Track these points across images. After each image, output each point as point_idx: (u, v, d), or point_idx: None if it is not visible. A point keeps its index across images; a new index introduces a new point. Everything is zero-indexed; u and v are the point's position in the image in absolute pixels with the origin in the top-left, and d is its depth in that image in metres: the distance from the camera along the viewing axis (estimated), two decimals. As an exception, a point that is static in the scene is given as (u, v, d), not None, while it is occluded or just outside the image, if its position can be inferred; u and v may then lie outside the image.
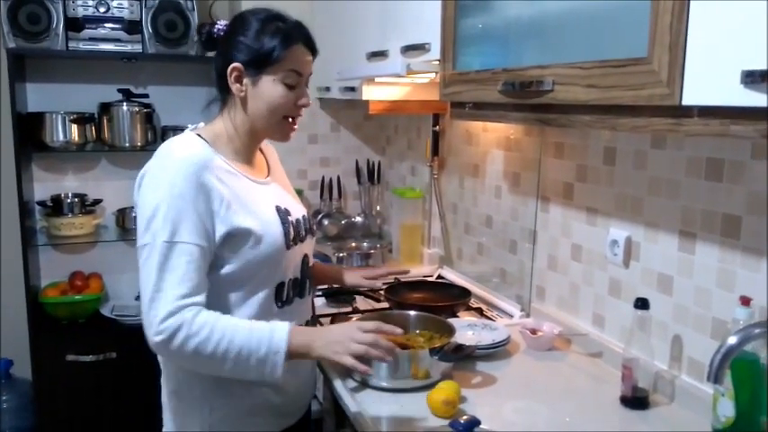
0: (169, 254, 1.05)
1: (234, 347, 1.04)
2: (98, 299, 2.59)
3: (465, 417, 1.16)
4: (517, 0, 1.21)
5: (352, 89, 2.10)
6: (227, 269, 1.12)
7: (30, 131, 2.47)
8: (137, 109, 2.57)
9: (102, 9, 2.45)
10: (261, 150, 1.31)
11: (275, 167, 1.34)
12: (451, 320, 1.54)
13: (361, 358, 1.06)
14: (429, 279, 2.16)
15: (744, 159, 1.14)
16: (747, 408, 1.08)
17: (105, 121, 2.56)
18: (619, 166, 1.45)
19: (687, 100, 0.82)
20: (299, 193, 2.67)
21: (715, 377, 0.95)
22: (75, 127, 2.51)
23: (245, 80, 1.16)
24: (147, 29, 2.49)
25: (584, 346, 1.56)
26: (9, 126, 2.39)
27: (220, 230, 1.10)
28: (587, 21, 1.02)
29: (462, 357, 1.36)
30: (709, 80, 0.79)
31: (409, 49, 1.63)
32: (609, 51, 0.95)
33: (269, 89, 1.15)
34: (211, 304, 1.08)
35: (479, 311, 1.86)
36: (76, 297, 2.55)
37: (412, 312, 1.55)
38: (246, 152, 1.22)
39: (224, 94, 1.21)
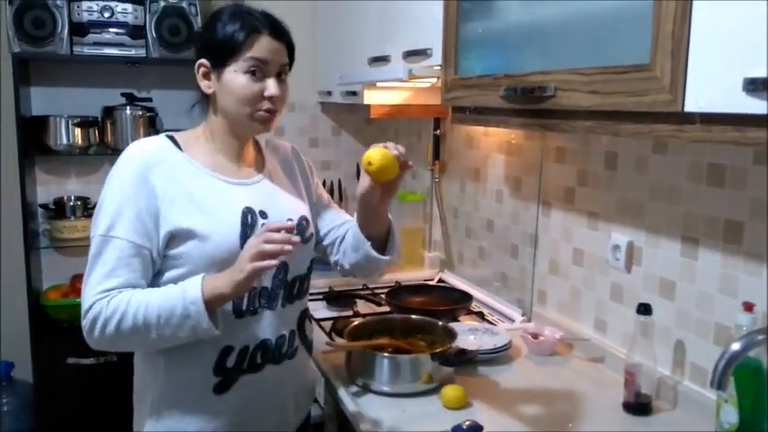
0: (102, 248, 1.05)
1: (152, 314, 1.03)
2: (100, 302, 2.59)
3: (467, 422, 1.16)
4: (519, 5, 1.22)
5: (354, 93, 2.11)
6: (173, 272, 1.09)
7: (33, 135, 2.48)
8: (140, 113, 2.58)
9: (106, 14, 2.47)
10: (260, 150, 1.27)
11: (275, 168, 1.27)
12: (453, 325, 1.54)
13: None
14: (430, 283, 2.16)
15: (746, 165, 1.14)
16: (751, 414, 1.08)
17: (108, 124, 2.58)
18: (620, 171, 1.45)
19: (689, 107, 0.82)
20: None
21: (719, 383, 0.95)
22: (78, 130, 2.52)
23: (212, 76, 1.14)
24: (151, 34, 2.50)
25: (586, 351, 1.55)
26: (13, 129, 2.40)
27: (164, 230, 1.08)
28: (589, 27, 1.02)
29: (464, 362, 1.36)
30: (711, 87, 0.79)
31: (411, 54, 1.63)
32: (611, 57, 0.95)
33: (232, 80, 1.11)
34: None
35: (480, 315, 1.86)
36: (78, 300, 2.53)
37: (413, 316, 1.55)
38: (232, 149, 1.18)
39: (200, 95, 1.19)
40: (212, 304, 1.03)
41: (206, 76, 1.15)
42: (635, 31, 0.89)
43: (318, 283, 2.11)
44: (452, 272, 2.23)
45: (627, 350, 1.31)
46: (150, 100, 2.65)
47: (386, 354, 1.34)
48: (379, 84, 1.95)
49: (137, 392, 1.21)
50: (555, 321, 1.66)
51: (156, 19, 2.49)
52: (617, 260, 1.46)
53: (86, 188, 2.71)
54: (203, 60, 1.14)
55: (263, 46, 1.12)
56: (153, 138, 1.18)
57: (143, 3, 2.49)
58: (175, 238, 1.09)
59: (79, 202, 2.62)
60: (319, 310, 1.91)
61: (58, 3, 2.39)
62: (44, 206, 2.61)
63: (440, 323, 1.51)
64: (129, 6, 2.48)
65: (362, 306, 1.93)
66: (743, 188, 1.15)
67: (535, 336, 1.57)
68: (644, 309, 1.27)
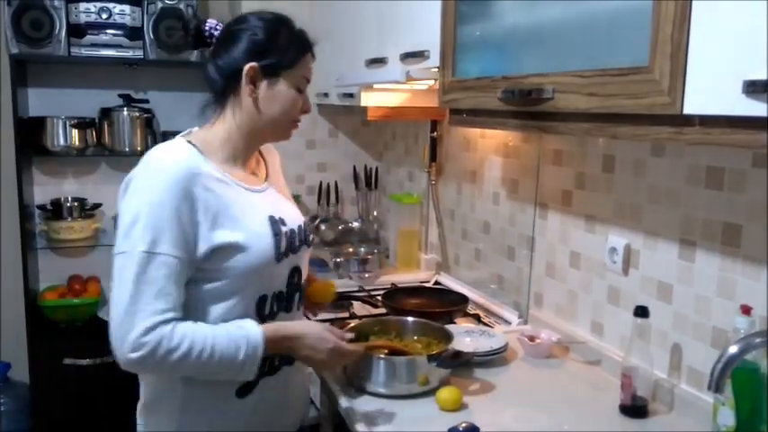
0: (147, 265, 1.00)
1: (214, 356, 1.03)
2: (96, 303, 2.59)
3: (464, 424, 1.15)
4: (517, 7, 1.22)
5: (351, 95, 2.11)
6: (209, 285, 1.08)
7: (31, 136, 2.48)
8: (137, 114, 2.58)
9: (104, 16, 2.47)
10: (261, 154, 1.28)
11: (274, 173, 1.30)
12: (449, 327, 1.53)
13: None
14: (426, 285, 2.16)
15: (745, 168, 1.14)
16: (748, 417, 1.07)
17: (106, 125, 2.58)
18: (618, 174, 1.45)
19: (688, 109, 0.82)
20: (297, 198, 2.69)
21: (716, 386, 0.95)
22: (75, 131, 2.52)
23: (261, 82, 1.13)
24: (149, 35, 2.50)
25: (582, 353, 1.55)
26: (10, 130, 2.40)
27: (204, 244, 1.05)
28: (588, 29, 1.02)
29: (461, 364, 1.36)
30: (710, 89, 0.79)
31: (408, 56, 1.63)
32: (610, 60, 0.95)
33: (284, 93, 1.14)
34: (188, 316, 1.05)
35: (477, 318, 1.86)
36: (75, 301, 2.55)
37: (410, 318, 1.55)
38: (243, 155, 1.18)
39: (223, 95, 1.16)
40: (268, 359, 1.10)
41: (253, 80, 1.13)
42: (634, 34, 0.89)
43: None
44: (449, 274, 2.23)
45: (623, 353, 1.31)
46: (147, 101, 2.65)
47: (382, 355, 1.34)
48: (376, 86, 1.95)
49: (146, 404, 1.19)
50: (551, 324, 1.65)
51: (154, 20, 2.49)
52: (614, 263, 1.46)
53: (83, 189, 2.71)
54: (255, 65, 1.12)
55: (309, 65, 1.19)
56: (177, 144, 1.11)
57: (140, 4, 2.49)
58: (217, 251, 1.06)
59: (76, 203, 2.62)
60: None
61: (56, 4, 2.39)
62: (41, 207, 2.61)
63: (436, 325, 1.50)
64: (126, 8, 2.48)
65: (359, 308, 1.93)
66: (741, 191, 1.15)
67: (532, 338, 1.57)
68: (641, 311, 1.27)
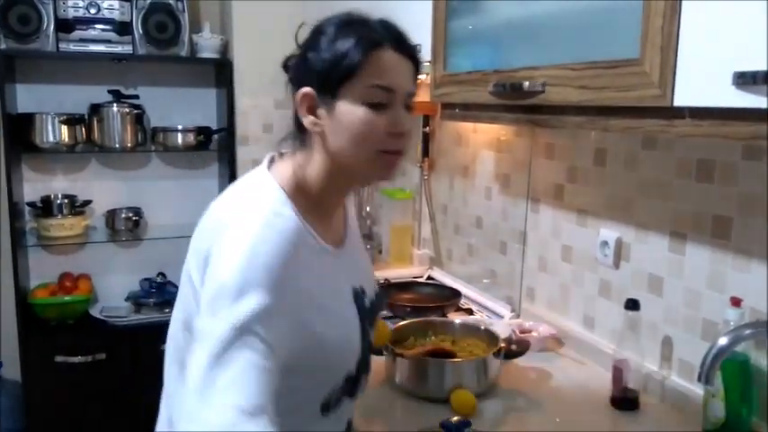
0: (232, 344, 0.74)
1: None
2: (87, 300, 2.58)
3: (455, 417, 1.16)
4: (508, 1, 1.22)
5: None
6: (290, 381, 0.82)
7: (20, 132, 2.45)
8: (127, 110, 2.56)
9: (92, 10, 2.44)
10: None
11: (353, 224, 1.05)
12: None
13: None
14: (419, 280, 2.16)
15: (735, 160, 1.15)
16: (738, 408, 1.08)
17: (95, 122, 2.55)
18: (609, 167, 1.46)
19: (679, 101, 0.82)
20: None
21: (706, 378, 0.96)
22: (65, 128, 2.49)
23: (320, 110, 0.87)
24: (138, 30, 2.48)
25: (574, 347, 1.56)
26: (-1, 127, 2.37)
27: (297, 331, 0.83)
28: (579, 22, 1.02)
29: (522, 353, 1.37)
30: (700, 81, 0.79)
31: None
32: (600, 52, 0.95)
33: (347, 114, 0.85)
34: None
35: (469, 312, 1.86)
36: (66, 298, 2.54)
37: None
38: (329, 207, 0.93)
39: (298, 131, 0.93)
40: None
41: (311, 109, 0.88)
42: (624, 26, 0.90)
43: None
44: (442, 269, 2.23)
45: (615, 345, 1.31)
46: (137, 97, 2.63)
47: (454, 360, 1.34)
48: (368, 80, 1.93)
49: None
50: (543, 317, 1.66)
51: (143, 15, 2.47)
52: (605, 256, 1.46)
53: (73, 186, 2.69)
54: (307, 91, 0.87)
55: (387, 66, 0.85)
56: (279, 200, 0.86)
57: (130, -1, 2.47)
58: (302, 342, 0.84)
59: (66, 200, 2.59)
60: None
61: (44, -1, 2.36)
62: (31, 204, 2.59)
63: (435, 320, 1.52)
64: (115, 2, 2.46)
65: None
66: (732, 184, 1.16)
67: (523, 332, 1.58)
68: (632, 304, 1.27)
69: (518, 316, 1.78)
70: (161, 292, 2.68)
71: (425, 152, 2.28)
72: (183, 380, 0.78)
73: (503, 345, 1.36)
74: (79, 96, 2.58)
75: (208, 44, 2.61)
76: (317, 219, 0.90)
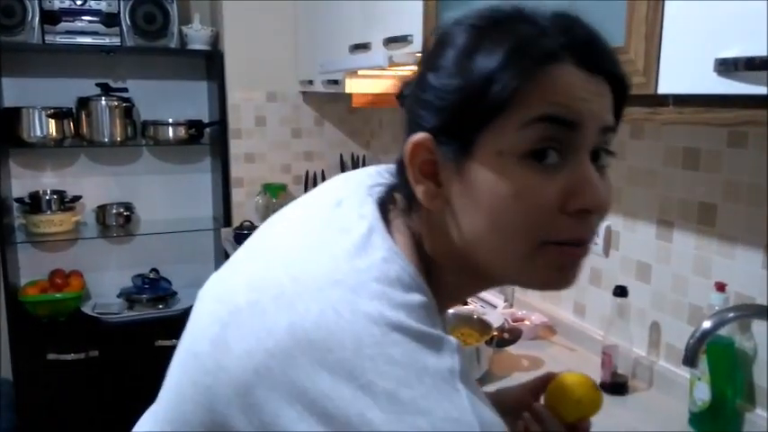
0: None
1: None
2: (79, 297, 2.56)
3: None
4: (496, -8, 1.22)
5: (336, 82, 2.10)
6: None
7: (6, 127, 2.42)
8: (116, 103, 2.53)
9: (78, 2, 2.41)
10: None
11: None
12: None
13: None
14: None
15: (720, 148, 1.16)
16: (723, 391, 1.10)
17: (83, 115, 2.52)
18: (598, 157, 1.47)
19: (663, 89, 0.83)
20: (283, 188, 2.70)
21: (690, 361, 0.97)
22: (52, 122, 2.46)
23: (445, 173, 0.52)
24: (126, 21, 2.45)
25: (565, 334, 1.58)
26: (-15, 121, 2.35)
27: None
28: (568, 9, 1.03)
29: (514, 341, 1.38)
30: (684, 69, 0.80)
31: (392, 41, 1.63)
32: (587, 41, 0.96)
33: (490, 181, 0.49)
34: None
35: (463, 302, 1.87)
36: (57, 295, 2.52)
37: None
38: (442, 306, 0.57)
39: (409, 194, 0.55)
40: None
41: (428, 171, 0.53)
42: (609, 15, 0.90)
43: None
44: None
45: (604, 332, 1.33)
46: (126, 90, 2.61)
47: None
48: (360, 72, 1.93)
49: None
50: (536, 306, 1.68)
51: (131, 6, 2.44)
52: (595, 244, 1.48)
53: (62, 181, 2.67)
54: (423, 138, 0.52)
55: (567, 89, 0.49)
56: (414, 290, 0.49)
57: (117, -9, 2.45)
58: None
59: (55, 196, 2.56)
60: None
61: (29, -9, 2.33)
62: (19, 200, 2.56)
63: (449, 312, 1.51)
64: (102, -6, 2.44)
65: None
66: (717, 171, 1.18)
67: (516, 321, 1.60)
68: (620, 291, 1.29)
69: (511, 305, 1.80)
70: (154, 288, 2.67)
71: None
72: None
73: (495, 333, 1.37)
74: (67, 90, 2.55)
75: (198, 36, 2.57)
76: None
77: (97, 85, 2.54)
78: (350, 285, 0.47)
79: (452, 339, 0.49)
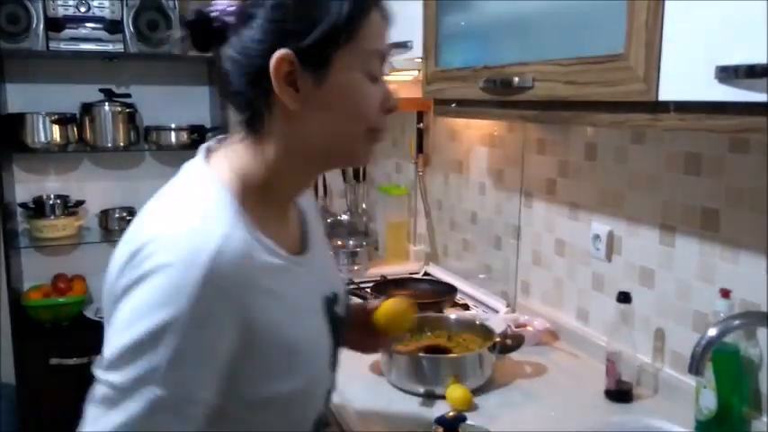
0: (167, 413, 0.64)
1: None
2: (82, 301, 2.57)
3: (451, 412, 1.16)
4: (497, -3, 1.22)
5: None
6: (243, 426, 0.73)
7: (10, 132, 2.44)
8: (119, 109, 2.55)
9: (82, 9, 2.43)
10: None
11: (313, 222, 0.89)
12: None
13: None
14: (415, 276, 2.16)
15: (722, 153, 1.15)
16: (729, 399, 1.09)
17: (87, 121, 2.54)
18: (600, 162, 1.46)
19: (663, 96, 0.83)
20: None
21: (696, 369, 0.96)
22: (56, 127, 2.48)
23: (302, 78, 0.70)
24: (129, 28, 2.47)
25: (569, 340, 1.57)
26: (-11, 127, 2.36)
27: (251, 393, 0.71)
28: (566, 18, 1.02)
29: (517, 347, 1.37)
30: (684, 76, 0.80)
31: (392, 47, 1.62)
32: (587, 48, 0.95)
33: (344, 87, 0.71)
34: None
35: (465, 307, 1.87)
36: (60, 300, 2.52)
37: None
38: (284, 202, 0.79)
39: (252, 110, 0.73)
40: None
41: (290, 77, 0.69)
42: (610, 22, 0.90)
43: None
44: (438, 264, 2.23)
45: (608, 338, 1.32)
46: (129, 96, 2.62)
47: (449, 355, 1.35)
48: (360, 77, 1.93)
49: None
50: (539, 312, 1.66)
51: (134, 13, 2.45)
52: (598, 250, 1.47)
53: (66, 186, 2.68)
54: (286, 53, 0.68)
55: (382, 31, 0.74)
56: (217, 205, 0.69)
57: (120, -4, 2.46)
58: (267, 400, 0.72)
59: (59, 201, 2.57)
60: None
61: (33, -2, 2.35)
62: (23, 205, 2.57)
63: (434, 315, 1.54)
64: (105, 1, 2.44)
65: (347, 300, 1.93)
66: (719, 176, 1.17)
67: (518, 327, 1.59)
68: (624, 297, 1.28)
69: (513, 311, 1.79)
70: (156, 292, 2.66)
71: (420, 148, 2.28)
72: None
73: (497, 339, 1.36)
74: (70, 96, 2.57)
75: (199, 42, 2.58)
76: (273, 224, 0.74)
77: (100, 90, 2.56)
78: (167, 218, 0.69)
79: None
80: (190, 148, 2.66)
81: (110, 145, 2.55)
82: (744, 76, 0.70)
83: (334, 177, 2.77)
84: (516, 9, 1.15)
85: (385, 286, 1.94)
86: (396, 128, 2.53)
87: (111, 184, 2.71)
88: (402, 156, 2.47)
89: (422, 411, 1.24)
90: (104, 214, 2.67)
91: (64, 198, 2.60)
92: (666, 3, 0.81)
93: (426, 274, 2.20)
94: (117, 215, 2.67)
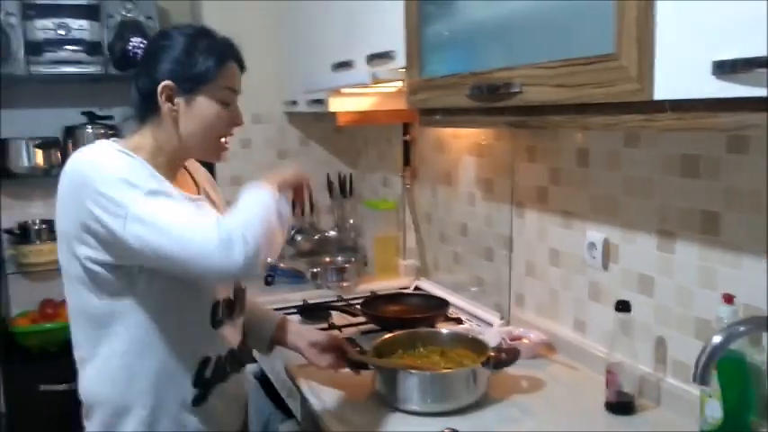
0: (169, 197, 1.02)
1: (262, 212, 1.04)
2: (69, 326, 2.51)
3: (446, 429, 1.12)
4: (481, 2, 1.19)
5: (320, 101, 2.07)
6: (155, 285, 1.07)
7: (-7, 159, 2.41)
8: (102, 131, 2.51)
9: (62, 31, 2.40)
10: (187, 170, 1.24)
11: (205, 184, 1.27)
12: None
13: None
14: (406, 291, 2.12)
15: (719, 154, 1.13)
16: (735, 408, 1.06)
17: (70, 144, 2.51)
18: (593, 168, 1.43)
19: (658, 95, 0.80)
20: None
21: (701, 378, 0.92)
22: (39, 152, 2.46)
23: (177, 99, 1.10)
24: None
25: (566, 352, 1.53)
26: (-30, 154, 2.32)
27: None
28: (552, 19, 0.99)
29: (512, 361, 1.33)
30: (679, 73, 0.77)
31: (374, 58, 1.60)
32: (576, 49, 0.93)
33: (204, 108, 1.10)
34: (139, 332, 1.08)
35: (458, 322, 1.83)
36: (48, 325, 2.49)
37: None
38: (168, 171, 1.13)
39: (146, 112, 1.12)
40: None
41: (169, 98, 1.10)
42: (598, 21, 0.87)
43: (293, 296, 2.06)
44: (429, 279, 2.19)
45: (607, 349, 1.28)
46: (112, 117, 2.59)
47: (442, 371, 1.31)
48: (344, 90, 1.91)
49: (102, 422, 1.17)
50: (534, 324, 1.62)
51: (114, 35, 2.43)
52: (593, 258, 1.43)
53: (51, 211, 2.56)
54: (169, 83, 1.08)
55: (234, 74, 1.14)
56: (105, 147, 1.09)
57: (99, 18, 2.42)
58: None
59: (45, 226, 2.54)
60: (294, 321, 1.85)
61: (12, 21, 2.32)
62: (8, 231, 2.54)
63: (433, 331, 1.51)
64: (85, 23, 2.41)
65: (338, 318, 1.88)
66: (717, 178, 1.14)
67: (513, 340, 1.55)
68: (622, 306, 1.24)
69: (508, 323, 1.75)
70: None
71: (407, 161, 2.26)
72: (100, 337, 1.11)
73: (491, 354, 1.32)
74: (52, 119, 2.54)
75: (182, 60, 2.57)
76: (164, 174, 1.09)
77: (83, 113, 2.54)
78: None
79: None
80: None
81: (93, 168, 2.51)
82: (742, 71, 0.67)
83: (320, 193, 2.74)
84: (500, 13, 1.13)
85: (375, 302, 1.90)
86: (382, 141, 2.50)
87: (95, 208, 2.67)
88: (389, 169, 2.44)
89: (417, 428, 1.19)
90: (89, 238, 2.62)
91: (49, 223, 2.56)
92: (657, -3, 0.78)
93: (417, 288, 2.17)
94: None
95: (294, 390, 1.48)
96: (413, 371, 1.28)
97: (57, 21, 2.38)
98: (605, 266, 1.41)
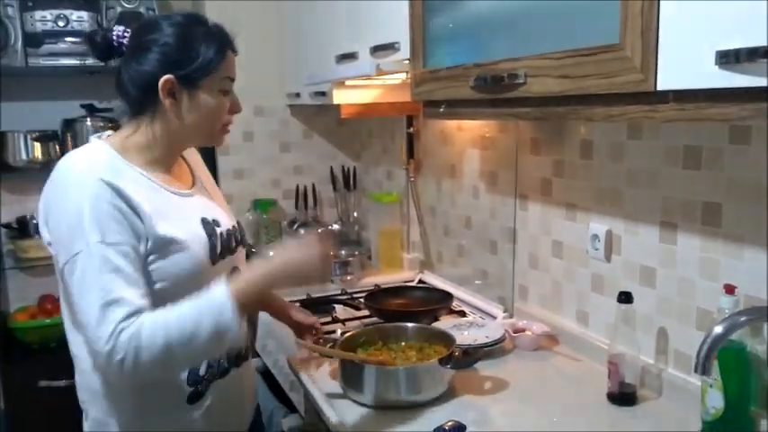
0: (108, 255, 0.97)
1: (192, 341, 0.98)
2: (70, 321, 2.51)
3: (450, 422, 1.13)
4: (484, -6, 1.19)
5: (323, 94, 2.07)
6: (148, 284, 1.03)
7: (-10, 152, 2.39)
8: (101, 124, 2.48)
9: (61, 23, 2.38)
10: (183, 157, 1.23)
11: (201, 176, 1.26)
12: (436, 324, 1.50)
13: None
14: (410, 284, 2.12)
15: (722, 145, 1.13)
16: (736, 398, 1.06)
17: (69, 138, 2.49)
18: (596, 160, 1.43)
19: (662, 85, 0.80)
20: (273, 203, 2.66)
21: (702, 368, 0.93)
22: (37, 145, 2.43)
23: (179, 93, 1.07)
24: (109, 41, 2.42)
25: (569, 344, 1.53)
26: (-31, 147, 2.31)
27: (148, 234, 1.02)
28: (557, 10, 0.99)
29: (474, 361, 1.33)
30: (683, 63, 0.77)
31: (378, 50, 1.60)
32: (580, 40, 0.93)
33: (207, 100, 1.09)
34: None
35: (462, 314, 1.83)
36: (47, 321, 2.47)
37: (397, 324, 1.50)
38: (166, 161, 1.14)
39: (140, 107, 1.10)
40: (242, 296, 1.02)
41: (171, 93, 1.07)
42: (603, 12, 0.87)
43: (296, 289, 2.06)
44: (432, 272, 2.19)
45: (609, 340, 1.29)
46: (112, 110, 2.57)
47: (404, 366, 1.29)
48: (347, 82, 1.91)
49: (94, 420, 1.17)
50: (537, 316, 1.63)
51: (113, 25, 2.41)
52: (596, 250, 1.44)
53: (50, 205, 2.62)
54: (170, 78, 1.05)
55: (232, 63, 1.12)
56: (92, 147, 1.08)
57: (98, 9, 2.41)
58: (159, 245, 1.03)
59: (44, 220, 2.53)
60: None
61: (10, 13, 2.30)
62: (7, 225, 2.52)
63: (422, 326, 1.48)
64: (84, 14, 2.40)
65: (341, 311, 1.89)
66: (720, 169, 1.14)
67: (516, 332, 1.55)
68: (625, 297, 1.25)
69: (511, 316, 1.75)
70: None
71: (410, 153, 2.25)
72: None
73: (456, 352, 1.30)
74: (51, 112, 2.51)
75: (182, 53, 2.55)
76: (160, 169, 1.12)
77: (82, 106, 2.51)
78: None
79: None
80: (176, 162, 2.62)
81: (94, 161, 2.50)
82: (746, 61, 0.67)
83: (323, 187, 2.74)
84: (504, 4, 1.13)
85: (379, 295, 1.90)
86: (385, 134, 2.50)
87: (96, 201, 2.66)
88: (393, 162, 2.44)
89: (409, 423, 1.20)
90: (90, 232, 2.61)
91: (48, 217, 2.55)
92: (662, -13, 0.78)
93: (421, 281, 2.17)
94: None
95: (297, 383, 1.49)
96: (368, 365, 1.27)
97: (55, 12, 2.36)
98: (608, 258, 1.42)
